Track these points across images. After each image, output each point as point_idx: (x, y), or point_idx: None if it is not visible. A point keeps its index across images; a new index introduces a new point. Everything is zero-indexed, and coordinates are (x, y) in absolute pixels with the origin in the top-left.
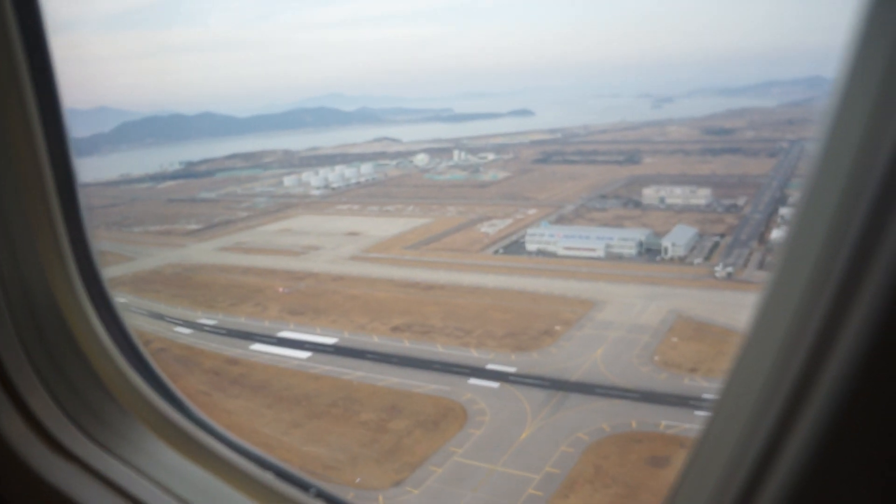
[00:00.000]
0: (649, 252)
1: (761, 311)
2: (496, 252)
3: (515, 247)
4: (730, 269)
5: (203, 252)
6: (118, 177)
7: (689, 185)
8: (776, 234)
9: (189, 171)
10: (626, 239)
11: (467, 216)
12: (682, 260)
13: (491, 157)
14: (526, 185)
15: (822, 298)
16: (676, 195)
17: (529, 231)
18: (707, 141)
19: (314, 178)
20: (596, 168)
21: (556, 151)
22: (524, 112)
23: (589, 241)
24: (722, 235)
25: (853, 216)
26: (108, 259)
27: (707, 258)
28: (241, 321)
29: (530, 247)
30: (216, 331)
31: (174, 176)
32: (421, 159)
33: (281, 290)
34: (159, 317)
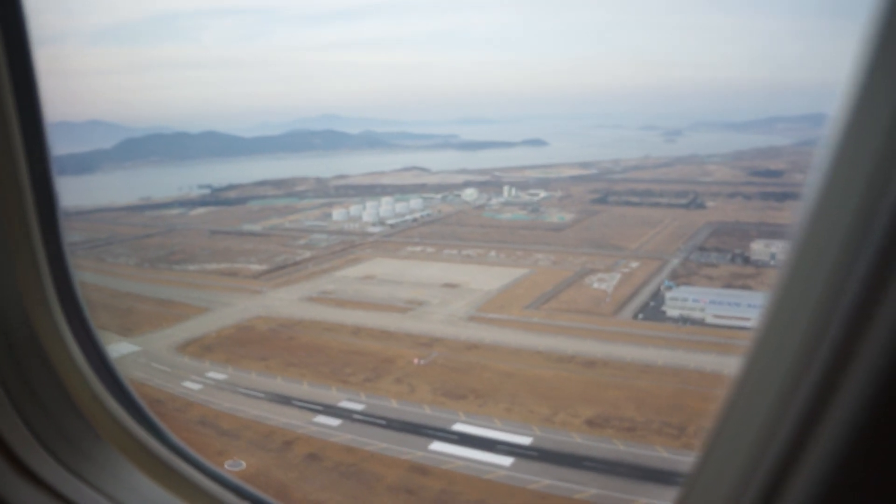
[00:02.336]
0: None
1: (777, 305)
2: (636, 317)
3: (651, 311)
4: None
5: (288, 302)
6: (139, 200)
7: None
8: None
9: (218, 198)
10: None
11: (565, 267)
12: None
13: (543, 194)
14: (603, 231)
15: (844, 298)
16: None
17: (669, 295)
18: (759, 183)
19: (365, 213)
20: (662, 212)
21: (606, 190)
22: (537, 142)
23: (740, 308)
24: None
25: (877, 211)
26: (177, 310)
27: None
28: (393, 406)
29: (671, 312)
30: (371, 420)
31: (203, 202)
32: (469, 194)
33: (416, 361)
34: (284, 400)
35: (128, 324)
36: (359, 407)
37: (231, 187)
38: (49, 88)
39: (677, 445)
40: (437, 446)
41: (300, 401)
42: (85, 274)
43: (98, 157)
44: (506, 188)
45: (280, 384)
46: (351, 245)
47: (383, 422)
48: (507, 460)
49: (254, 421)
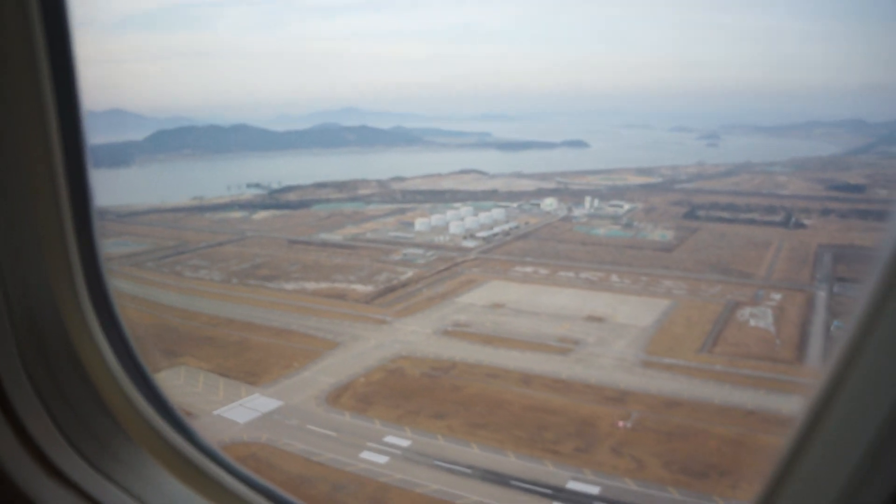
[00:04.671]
0: None
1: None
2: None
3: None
4: None
5: (424, 337)
6: (191, 200)
7: None
8: None
9: (279, 201)
10: None
11: (705, 298)
12: None
13: (626, 206)
14: (714, 252)
15: None
16: None
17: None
18: (843, 199)
19: (452, 225)
20: (762, 230)
21: (688, 202)
22: (578, 143)
23: None
24: None
25: None
26: (300, 343)
27: None
28: (632, 488)
29: None
30: None
31: (264, 205)
32: (549, 204)
33: (620, 424)
34: (498, 479)
35: (248, 364)
36: (593, 490)
37: (289, 189)
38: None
39: None
40: None
41: (518, 480)
42: (168, 294)
43: (130, 148)
44: (587, 199)
45: (480, 455)
46: (453, 263)
47: None
48: None
49: None
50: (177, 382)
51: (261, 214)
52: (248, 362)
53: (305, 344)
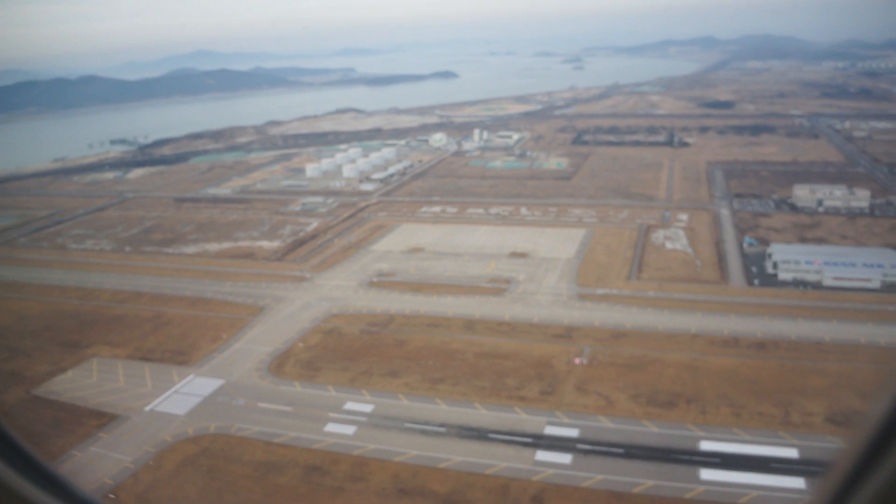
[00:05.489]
0: None
1: None
2: (751, 284)
3: (763, 276)
4: None
5: (351, 291)
6: (53, 163)
7: (837, 185)
8: None
9: (152, 156)
10: None
11: (616, 224)
12: None
13: (515, 136)
14: (612, 177)
15: None
16: (836, 197)
17: (782, 261)
18: (716, 116)
19: (346, 168)
20: (650, 151)
21: (571, 127)
22: (447, 74)
23: (855, 269)
24: None
25: None
26: (222, 312)
27: None
28: (608, 426)
29: (784, 275)
30: (600, 449)
31: (137, 162)
32: (438, 139)
33: (577, 361)
34: (477, 434)
35: (171, 342)
36: (573, 433)
37: (161, 142)
38: None
39: None
40: (711, 475)
41: (495, 433)
42: (56, 273)
43: None
44: (476, 131)
45: (449, 411)
46: (356, 208)
47: (620, 450)
48: (798, 482)
49: (493, 477)
50: (89, 381)
51: (136, 173)
52: (170, 340)
53: (228, 312)
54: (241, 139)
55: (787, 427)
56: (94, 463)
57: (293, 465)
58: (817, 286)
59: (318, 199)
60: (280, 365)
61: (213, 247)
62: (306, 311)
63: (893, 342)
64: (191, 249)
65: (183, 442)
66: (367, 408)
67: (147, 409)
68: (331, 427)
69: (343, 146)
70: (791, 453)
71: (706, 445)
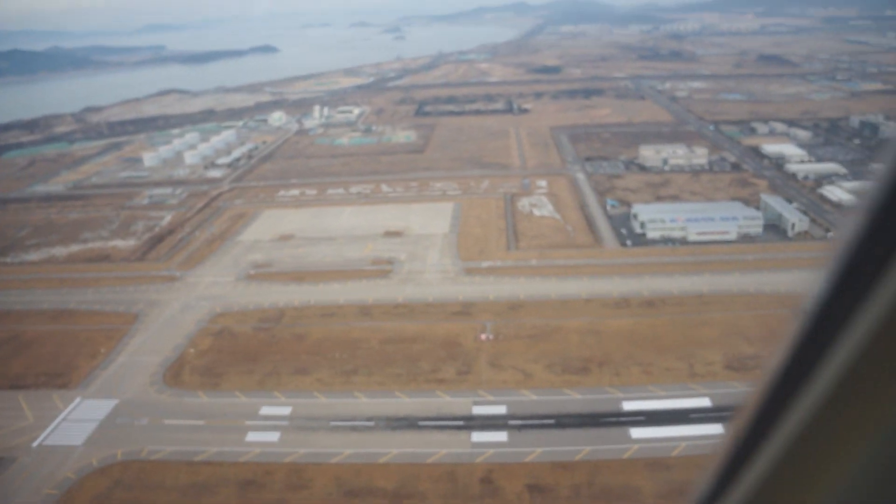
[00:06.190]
0: (773, 229)
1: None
2: (624, 245)
3: (633, 236)
4: None
5: (230, 287)
6: None
7: (678, 144)
8: (829, 191)
9: None
10: (753, 218)
11: (479, 194)
12: (810, 235)
13: (356, 111)
14: (462, 147)
15: None
16: (679, 156)
17: (648, 220)
18: (546, 81)
19: (188, 154)
20: (492, 120)
21: (409, 99)
22: (267, 48)
23: (714, 223)
24: (789, 200)
25: None
26: (92, 324)
27: (829, 231)
28: (532, 399)
29: (652, 234)
30: (532, 423)
31: None
32: (278, 118)
33: (483, 337)
34: (408, 423)
35: (44, 364)
36: (501, 410)
37: None
38: None
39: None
40: (640, 433)
41: (425, 420)
42: None
43: None
44: (316, 108)
45: (371, 403)
46: (209, 197)
47: (550, 420)
48: (716, 428)
49: (436, 465)
50: None
51: None
52: (40, 361)
53: (98, 322)
54: (60, 129)
55: (694, 379)
56: None
57: (224, 483)
58: (683, 242)
59: (166, 189)
60: (176, 375)
61: (60, 251)
62: (187, 314)
63: (761, 289)
64: (34, 256)
65: (90, 476)
66: (286, 410)
67: (35, 444)
68: (252, 436)
69: (176, 131)
70: (704, 403)
71: (628, 405)
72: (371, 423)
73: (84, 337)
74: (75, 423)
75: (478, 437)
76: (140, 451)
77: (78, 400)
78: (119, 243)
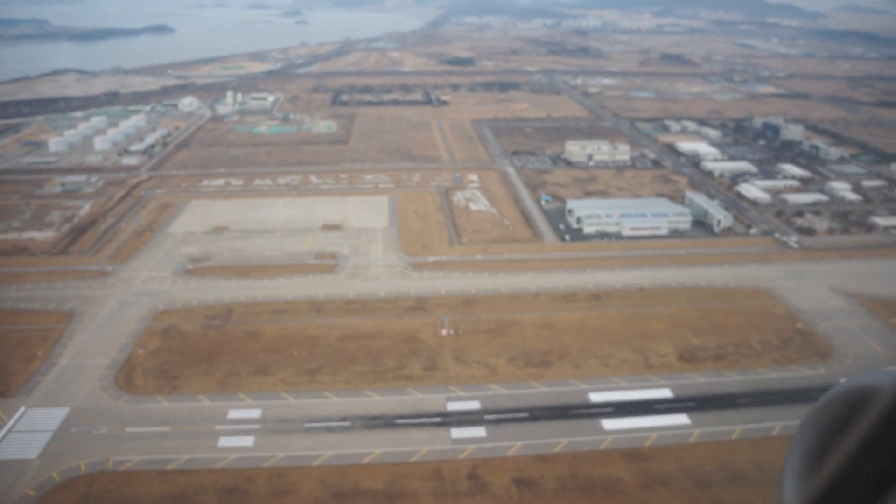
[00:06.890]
0: (700, 225)
1: None
2: (563, 240)
3: (572, 231)
4: (794, 238)
5: (169, 283)
6: None
7: (601, 140)
8: (745, 189)
9: None
10: (681, 214)
11: (413, 188)
12: (733, 231)
13: (270, 98)
14: (386, 138)
15: None
16: (603, 152)
17: (585, 216)
18: (461, 73)
19: (97, 140)
20: (412, 111)
21: (323, 87)
22: (162, 28)
23: (646, 219)
24: (711, 197)
25: None
26: (22, 323)
27: (750, 227)
28: (503, 393)
29: (589, 229)
30: (507, 417)
31: None
32: (189, 104)
33: (443, 332)
34: (385, 422)
35: None
36: (475, 406)
37: None
38: None
39: (777, 361)
40: (611, 424)
41: (401, 418)
42: None
43: None
44: (229, 94)
45: (342, 403)
46: (128, 186)
47: (524, 414)
48: (682, 418)
49: (421, 463)
50: None
51: None
52: None
53: (29, 322)
54: None
55: (651, 370)
56: None
57: (204, 492)
58: (618, 237)
59: (79, 177)
60: (128, 378)
61: None
62: (127, 311)
63: (697, 283)
64: None
65: (54, 492)
66: (255, 413)
67: None
68: (225, 441)
69: (79, 114)
70: (666, 393)
71: (595, 397)
72: (347, 423)
73: (15, 338)
74: (24, 434)
75: (457, 433)
76: (105, 461)
77: (22, 409)
78: (35, 235)
